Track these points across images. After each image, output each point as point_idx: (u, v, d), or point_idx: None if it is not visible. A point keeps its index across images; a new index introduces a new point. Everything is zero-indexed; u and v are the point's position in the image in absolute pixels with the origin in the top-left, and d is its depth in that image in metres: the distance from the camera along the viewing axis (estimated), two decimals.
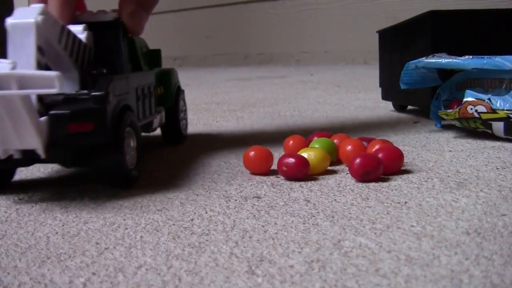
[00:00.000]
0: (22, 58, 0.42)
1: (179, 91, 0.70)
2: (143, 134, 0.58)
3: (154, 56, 0.64)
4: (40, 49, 0.43)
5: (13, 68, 0.38)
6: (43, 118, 0.43)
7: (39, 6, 0.43)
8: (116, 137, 0.46)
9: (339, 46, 2.47)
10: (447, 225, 0.36)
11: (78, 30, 0.50)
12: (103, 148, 0.46)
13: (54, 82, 0.38)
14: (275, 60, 2.87)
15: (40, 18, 0.42)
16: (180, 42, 3.34)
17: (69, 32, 0.46)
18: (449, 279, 0.28)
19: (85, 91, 0.44)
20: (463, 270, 0.29)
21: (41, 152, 0.43)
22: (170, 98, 0.67)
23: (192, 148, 0.67)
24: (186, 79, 1.95)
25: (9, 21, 0.42)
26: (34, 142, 0.42)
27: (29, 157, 0.44)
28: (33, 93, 0.40)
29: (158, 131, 0.70)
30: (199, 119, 0.93)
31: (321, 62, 2.50)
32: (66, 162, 0.47)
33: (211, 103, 1.18)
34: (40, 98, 0.44)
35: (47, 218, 0.42)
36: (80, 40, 0.49)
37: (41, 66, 0.43)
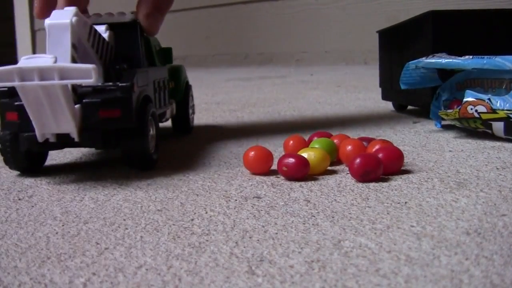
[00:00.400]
0: (59, 54, 0.47)
1: (188, 87, 0.77)
2: None
3: (166, 54, 0.70)
4: (74, 46, 0.49)
5: (55, 62, 0.44)
6: (77, 106, 0.49)
7: (72, 9, 0.49)
8: (140, 123, 0.52)
9: (339, 46, 2.47)
10: (447, 225, 0.36)
11: (102, 30, 0.56)
12: (129, 133, 0.52)
13: (91, 73, 0.43)
14: (275, 60, 2.87)
15: (74, 19, 0.48)
16: (180, 42, 3.33)
17: (96, 31, 0.53)
18: (449, 279, 0.28)
19: (111, 83, 0.51)
20: (463, 270, 0.29)
21: (75, 135, 0.49)
22: (180, 92, 0.74)
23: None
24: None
25: (47, 21, 0.49)
26: (70, 126, 0.48)
27: (63, 141, 0.50)
28: (73, 82, 0.45)
29: (167, 123, 0.78)
30: (199, 119, 0.93)
31: (321, 62, 2.49)
32: (97, 144, 0.52)
33: (211, 103, 1.18)
34: (74, 88, 0.50)
35: (47, 218, 0.42)
36: (104, 39, 0.55)
37: (74, 60, 0.49)
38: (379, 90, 0.97)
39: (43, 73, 0.44)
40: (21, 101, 0.47)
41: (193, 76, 2.12)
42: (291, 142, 0.58)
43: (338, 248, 0.33)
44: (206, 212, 0.41)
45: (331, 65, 2.30)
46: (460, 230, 0.35)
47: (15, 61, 0.45)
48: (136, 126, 0.51)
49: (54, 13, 0.49)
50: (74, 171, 0.57)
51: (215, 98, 1.27)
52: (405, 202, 0.41)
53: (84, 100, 0.50)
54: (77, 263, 0.33)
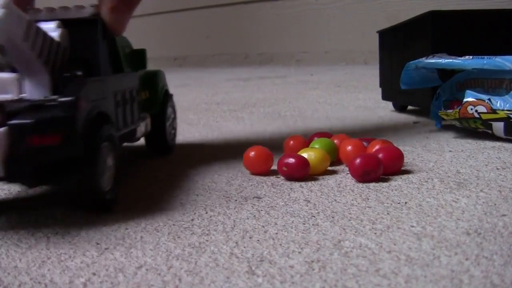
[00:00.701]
0: None
1: (167, 96, 0.63)
2: (125, 144, 0.55)
3: (139, 57, 0.57)
4: (0, 48, 0.38)
5: None
6: (2, 129, 0.36)
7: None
8: (89, 151, 0.39)
9: (339, 46, 2.47)
10: (447, 225, 0.36)
11: (51, 27, 0.44)
12: (73, 164, 0.39)
13: (10, 87, 0.35)
14: (275, 60, 2.87)
15: (1, 12, 0.36)
16: (180, 42, 3.33)
17: (38, 29, 0.40)
18: (449, 279, 0.28)
19: (54, 97, 0.39)
20: (463, 270, 0.29)
21: None
22: (156, 103, 0.60)
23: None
24: (186, 79, 1.95)
25: None
26: None
27: None
28: None
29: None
30: (199, 119, 0.93)
31: (321, 62, 2.49)
32: (28, 181, 0.39)
33: (211, 103, 1.18)
34: (1, 105, 0.38)
35: (47, 218, 0.42)
36: (52, 39, 0.42)
37: (1, 67, 0.39)
38: (379, 90, 0.97)
39: None
40: None
41: (193, 76, 2.12)
42: (291, 142, 0.58)
43: (338, 248, 0.33)
44: (206, 212, 0.41)
45: (331, 65, 2.30)
46: (460, 230, 0.35)
47: None
48: (83, 156, 0.39)
49: None
50: None
51: (215, 98, 1.27)
52: (405, 202, 0.41)
53: (10, 122, 0.37)
54: (77, 263, 0.33)
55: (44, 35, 0.41)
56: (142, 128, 0.55)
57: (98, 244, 0.36)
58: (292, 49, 2.78)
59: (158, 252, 0.34)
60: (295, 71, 2.12)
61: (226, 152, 0.63)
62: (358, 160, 0.48)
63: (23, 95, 0.40)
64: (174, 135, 0.66)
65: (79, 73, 0.44)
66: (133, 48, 0.57)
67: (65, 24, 0.45)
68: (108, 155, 0.42)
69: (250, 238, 0.36)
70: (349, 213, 0.40)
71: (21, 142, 0.37)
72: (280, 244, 0.34)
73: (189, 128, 0.83)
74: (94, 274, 0.31)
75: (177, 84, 1.71)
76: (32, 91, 0.38)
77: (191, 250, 0.34)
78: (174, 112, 0.65)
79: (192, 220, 0.40)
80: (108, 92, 0.45)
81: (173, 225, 0.39)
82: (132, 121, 0.52)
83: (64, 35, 0.44)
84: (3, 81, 0.35)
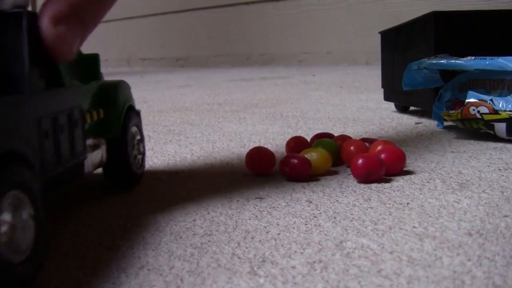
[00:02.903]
0: None
1: (131, 114, 0.49)
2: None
3: (89, 65, 0.43)
4: None
5: None
6: None
7: None
8: None
9: (341, 47, 2.47)
10: (449, 226, 0.36)
11: None
12: None
13: None
14: (277, 61, 2.87)
15: None
16: (182, 43, 3.34)
17: None
18: (451, 280, 0.28)
19: None
20: (465, 271, 0.29)
21: None
22: (115, 124, 0.46)
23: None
24: (188, 80, 1.95)
25: None
26: None
27: None
28: None
29: None
30: (201, 119, 0.93)
31: (323, 63, 2.50)
32: None
33: (213, 103, 1.18)
34: None
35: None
36: None
37: None
38: (381, 91, 0.97)
39: None
40: None
41: (195, 77, 2.12)
42: (293, 142, 0.58)
43: (340, 249, 0.33)
44: (208, 213, 0.41)
45: (333, 66, 2.30)
46: (462, 231, 0.35)
47: None
48: None
49: None
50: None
51: (217, 99, 1.27)
52: (407, 203, 0.41)
53: None
54: (76, 264, 0.33)
55: None
56: (93, 159, 0.42)
57: (99, 244, 0.36)
58: (294, 49, 2.78)
59: (160, 253, 0.34)
60: (297, 72, 2.12)
61: (228, 152, 0.63)
62: (360, 161, 0.48)
63: None
64: (142, 161, 0.51)
65: None
66: (81, 53, 0.42)
67: None
68: (20, 209, 0.28)
69: (252, 238, 0.36)
70: (351, 214, 0.39)
71: None
72: (282, 245, 0.34)
73: (191, 128, 0.83)
74: (95, 274, 0.31)
75: (179, 85, 1.72)
76: None
77: (193, 250, 0.34)
78: (141, 133, 0.51)
79: (194, 220, 0.40)
80: (25, 119, 0.31)
81: (175, 225, 0.39)
82: (73, 153, 0.37)
83: None
84: None
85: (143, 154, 0.52)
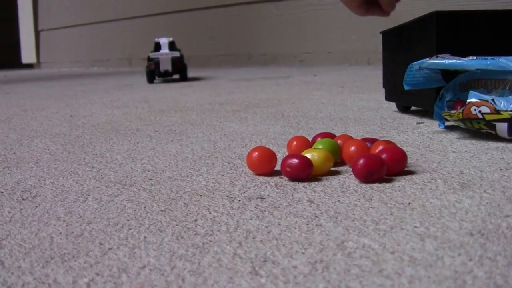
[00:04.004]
0: None
1: None
2: None
3: None
4: None
5: None
6: None
7: None
8: None
9: (343, 47, 2.47)
10: (450, 226, 0.36)
11: None
12: None
13: None
14: (278, 61, 2.87)
15: None
16: (184, 42, 3.34)
17: None
18: (452, 280, 0.28)
19: None
20: (466, 271, 0.29)
21: None
22: None
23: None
24: (190, 80, 1.95)
25: None
26: None
27: None
28: None
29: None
30: (203, 119, 0.93)
31: (324, 63, 2.49)
32: None
33: (214, 103, 1.18)
34: None
35: (50, 218, 0.42)
36: None
37: None
38: (383, 90, 0.97)
39: None
40: None
41: (197, 77, 2.11)
42: (295, 142, 0.58)
43: (342, 249, 0.33)
44: (210, 213, 0.41)
45: (335, 66, 2.30)
46: (463, 231, 0.35)
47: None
48: None
49: None
50: (78, 172, 0.57)
51: (219, 99, 1.27)
52: (409, 203, 0.41)
53: None
54: (81, 263, 0.33)
55: None
56: None
57: (101, 244, 0.36)
58: (296, 49, 2.78)
59: (162, 253, 0.34)
60: (299, 72, 2.12)
61: (229, 152, 0.63)
62: (361, 161, 0.48)
63: None
64: None
65: None
66: None
67: None
68: None
69: (254, 238, 0.36)
70: (353, 214, 0.39)
71: None
72: (284, 245, 0.34)
73: (192, 128, 0.83)
74: (97, 274, 0.31)
75: (181, 85, 1.72)
76: None
77: (194, 250, 0.34)
78: None
79: (196, 220, 0.40)
80: None
81: (177, 225, 0.39)
82: None
83: None
84: None
85: None
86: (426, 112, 0.85)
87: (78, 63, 4.44)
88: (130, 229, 0.38)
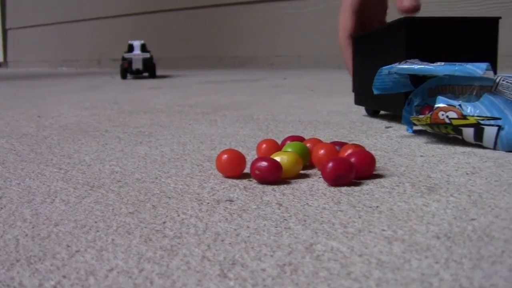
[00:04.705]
0: None
1: None
2: None
3: None
4: None
5: None
6: None
7: None
8: None
9: (313, 51, 2.48)
10: (417, 229, 0.37)
11: None
12: None
13: None
14: (249, 64, 2.87)
15: None
16: (154, 44, 3.33)
17: None
18: (419, 283, 0.28)
19: None
20: (433, 273, 0.29)
21: None
22: None
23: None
24: (160, 82, 1.94)
25: None
26: None
27: None
28: None
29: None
30: (172, 121, 0.92)
31: (294, 66, 2.50)
32: None
33: (184, 105, 1.18)
34: None
35: (16, 220, 0.41)
36: None
37: None
38: (352, 95, 0.98)
39: None
40: None
41: (167, 79, 2.11)
42: (264, 145, 0.58)
43: (310, 252, 0.33)
44: (178, 215, 0.41)
45: (305, 69, 2.31)
46: (430, 234, 0.35)
47: None
48: None
49: None
50: (45, 173, 0.56)
51: (189, 101, 1.27)
52: (377, 206, 0.42)
53: None
54: (47, 266, 0.32)
55: None
56: None
57: (68, 246, 0.35)
58: (266, 52, 2.78)
59: (130, 255, 0.34)
60: (269, 75, 2.13)
61: (198, 154, 0.63)
62: (330, 164, 0.48)
63: None
64: None
65: None
66: None
67: None
68: None
69: (222, 241, 0.36)
70: (321, 217, 0.40)
71: None
72: (252, 247, 0.34)
73: (162, 130, 0.83)
74: (64, 277, 0.31)
75: (151, 86, 1.71)
76: None
77: (162, 253, 0.34)
78: None
79: (164, 223, 0.40)
80: None
81: (145, 227, 0.39)
82: None
83: None
84: None
85: None
86: (394, 117, 0.86)
87: (47, 63, 4.40)
88: (98, 231, 0.38)
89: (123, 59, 2.29)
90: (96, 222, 0.40)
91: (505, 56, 1.43)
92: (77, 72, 3.32)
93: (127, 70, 2.26)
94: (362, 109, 0.96)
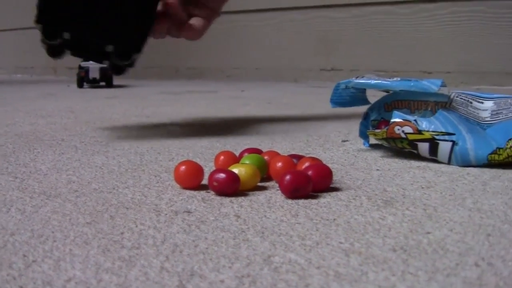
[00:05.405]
0: None
1: None
2: None
3: None
4: None
5: None
6: None
7: None
8: None
9: (270, 64, 2.49)
10: (374, 242, 0.37)
11: None
12: None
13: None
14: (205, 75, 2.87)
15: None
16: None
17: None
18: None
19: None
20: (389, 286, 0.30)
21: None
22: None
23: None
24: (116, 91, 1.93)
25: None
26: None
27: None
28: None
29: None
30: (129, 131, 0.92)
31: (252, 79, 2.51)
32: None
33: (141, 116, 1.17)
34: None
35: None
36: None
37: None
38: (310, 107, 0.99)
39: None
40: None
41: (123, 88, 2.09)
42: (222, 157, 0.58)
43: (268, 264, 0.33)
44: (136, 226, 0.41)
45: (262, 82, 2.32)
46: (387, 247, 0.36)
47: None
48: None
49: None
50: (0, 182, 0.55)
51: (145, 111, 1.26)
52: (334, 219, 0.42)
53: None
54: (4, 276, 0.32)
55: None
56: None
57: (25, 256, 0.35)
58: (223, 64, 2.79)
59: (87, 265, 0.33)
60: (226, 87, 2.13)
61: (156, 165, 0.63)
62: (288, 177, 0.48)
63: None
64: None
65: None
66: None
67: None
68: None
69: (181, 252, 0.36)
70: (279, 229, 0.40)
71: None
72: (211, 259, 0.34)
73: (119, 140, 0.82)
74: (21, 287, 0.30)
75: (107, 96, 1.70)
76: None
77: (121, 263, 0.34)
78: None
79: (122, 233, 0.39)
80: None
81: (103, 238, 0.38)
82: None
83: None
84: None
85: None
86: (351, 131, 0.87)
87: (0, 70, 4.33)
88: (55, 241, 0.38)
89: (80, 67, 2.25)
90: (53, 232, 0.40)
91: (459, 73, 1.46)
92: (32, 80, 3.28)
93: (83, 79, 2.19)
94: (319, 122, 0.97)
